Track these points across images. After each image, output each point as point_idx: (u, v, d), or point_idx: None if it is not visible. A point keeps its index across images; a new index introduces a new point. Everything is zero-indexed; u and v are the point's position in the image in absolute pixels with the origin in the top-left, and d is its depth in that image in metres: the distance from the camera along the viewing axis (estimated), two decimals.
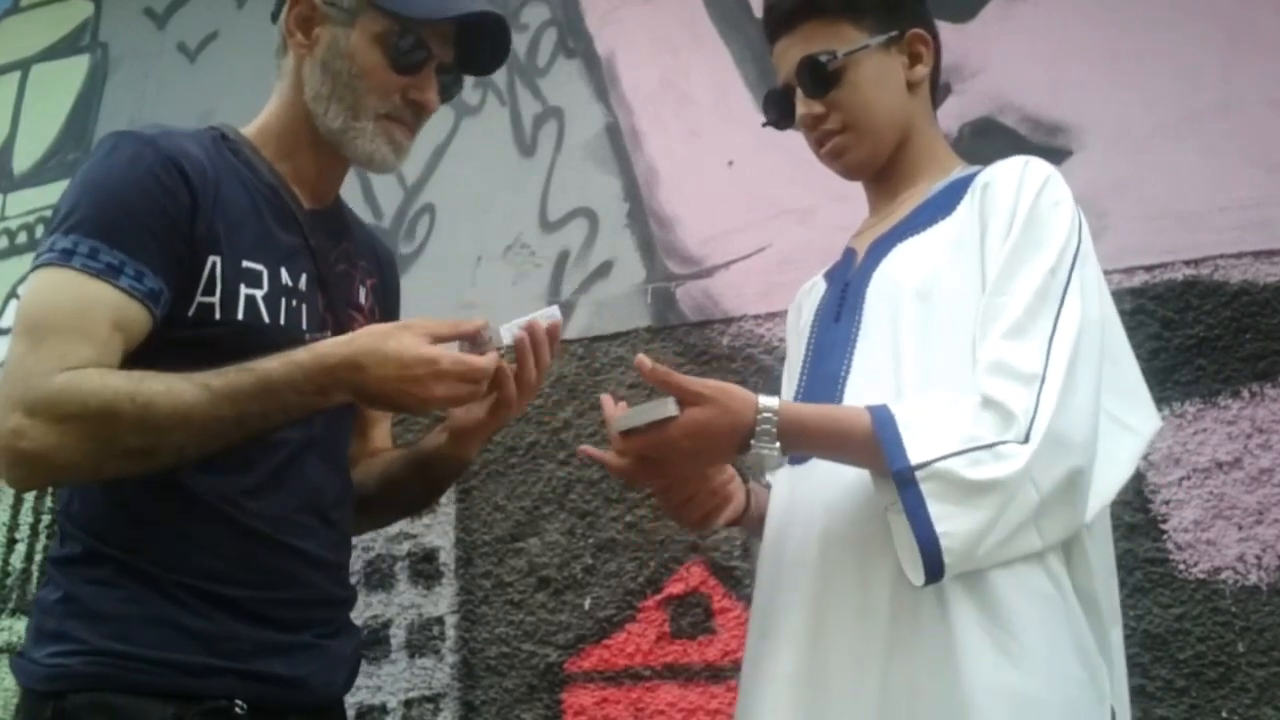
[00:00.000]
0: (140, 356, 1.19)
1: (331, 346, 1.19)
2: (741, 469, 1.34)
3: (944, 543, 1.03)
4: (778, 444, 1.10)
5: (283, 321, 1.29)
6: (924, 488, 1.04)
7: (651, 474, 1.19)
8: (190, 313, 1.23)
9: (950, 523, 1.03)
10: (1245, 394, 1.83)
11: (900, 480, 1.05)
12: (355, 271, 1.43)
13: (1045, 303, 1.12)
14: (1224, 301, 1.87)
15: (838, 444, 1.13)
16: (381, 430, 1.54)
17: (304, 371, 1.16)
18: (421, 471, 1.44)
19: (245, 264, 1.26)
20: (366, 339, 1.19)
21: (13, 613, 2.69)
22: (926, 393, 1.15)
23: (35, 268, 1.20)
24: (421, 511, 1.79)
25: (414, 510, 1.64)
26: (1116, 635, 1.17)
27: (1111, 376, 1.15)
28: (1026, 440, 1.06)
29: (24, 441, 1.11)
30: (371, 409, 1.23)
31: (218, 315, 1.24)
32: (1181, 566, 1.80)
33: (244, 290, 1.25)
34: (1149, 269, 1.91)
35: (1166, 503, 1.83)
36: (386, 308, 1.51)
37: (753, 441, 1.10)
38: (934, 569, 1.03)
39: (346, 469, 1.41)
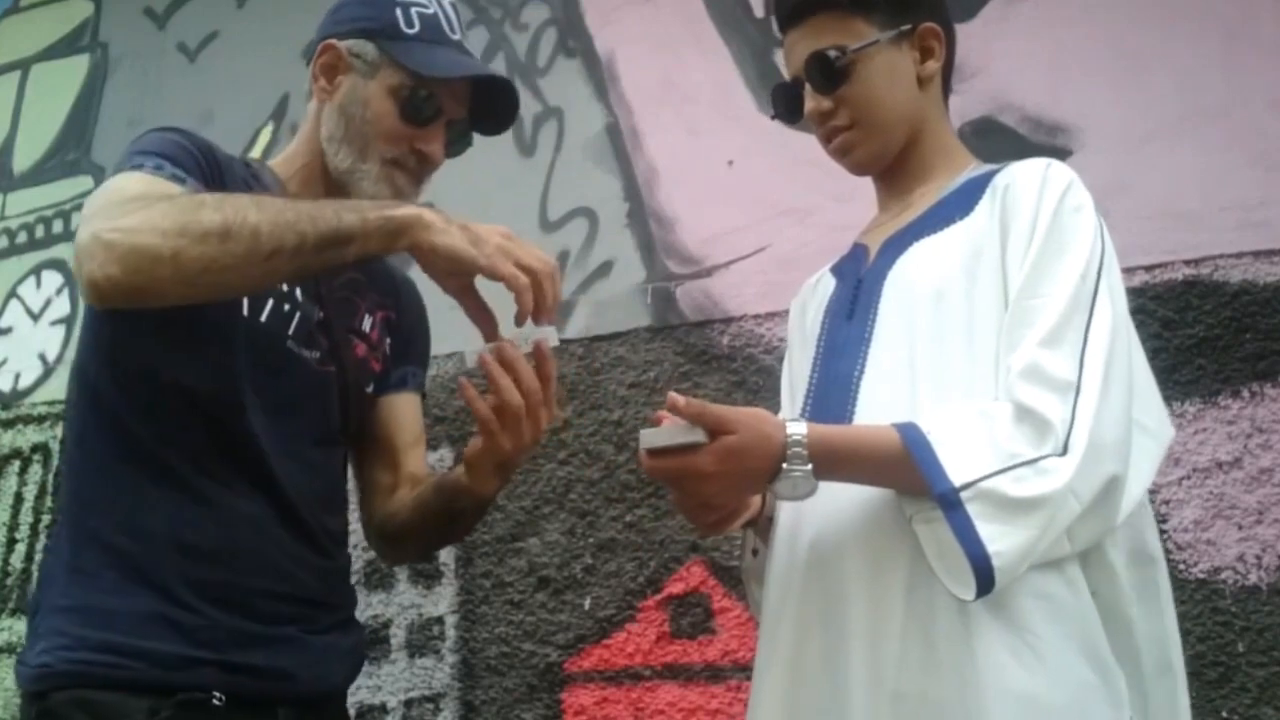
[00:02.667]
0: (118, 320, 1.24)
1: None
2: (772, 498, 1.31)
3: (996, 562, 1.03)
4: (810, 465, 1.08)
5: (264, 319, 1.30)
6: (971, 509, 1.04)
7: (682, 497, 1.18)
8: None
9: (1001, 542, 1.03)
10: (1245, 394, 1.83)
11: (945, 503, 1.04)
12: (361, 301, 1.45)
13: (1077, 309, 1.11)
14: (1224, 301, 1.87)
15: (869, 464, 1.12)
16: (415, 457, 1.51)
17: (375, 203, 1.21)
18: (448, 503, 1.39)
19: None
20: None
21: (13, 613, 2.69)
22: (946, 400, 1.15)
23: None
24: (455, 543, 1.72)
25: (448, 540, 1.60)
26: (1172, 654, 1.16)
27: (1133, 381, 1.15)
28: (1064, 452, 1.05)
29: (109, 232, 1.11)
30: (431, 261, 1.19)
31: None
32: (1181, 566, 1.80)
33: None
34: (1149, 269, 1.91)
35: (1166, 503, 1.83)
36: (406, 339, 1.52)
37: (784, 465, 1.08)
38: (986, 586, 1.04)
39: (333, 480, 1.41)
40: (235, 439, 1.27)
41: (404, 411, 1.51)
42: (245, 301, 1.28)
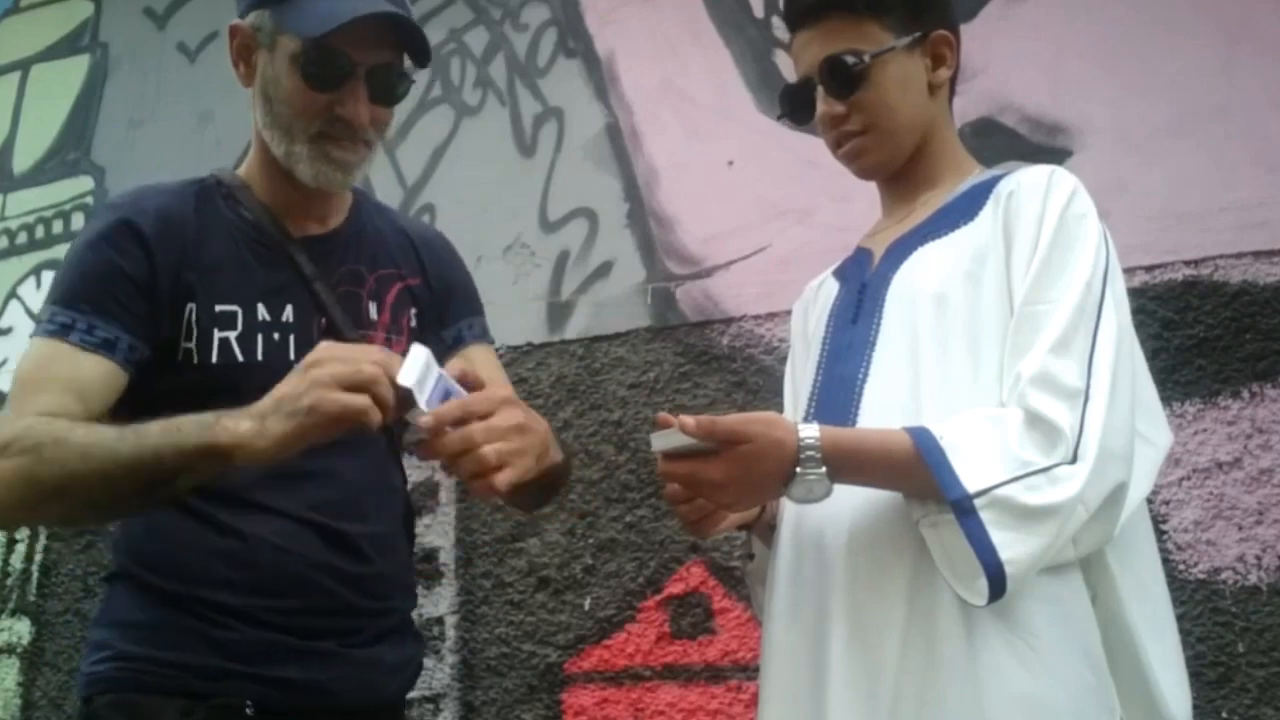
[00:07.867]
0: (135, 406, 1.21)
1: None
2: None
3: (1009, 570, 1.03)
4: (824, 468, 1.08)
5: (261, 357, 1.29)
6: (984, 516, 1.04)
7: (687, 497, 1.18)
8: (178, 359, 1.28)
9: (1014, 549, 1.03)
10: (1245, 394, 1.83)
11: (959, 509, 1.05)
12: (362, 289, 1.40)
13: (1084, 317, 1.11)
14: (1224, 301, 1.87)
15: (880, 467, 1.11)
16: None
17: (197, 427, 1.09)
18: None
19: (218, 308, 1.30)
20: None
21: (13, 613, 2.69)
22: (949, 403, 1.14)
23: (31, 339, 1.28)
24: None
25: (554, 495, 1.51)
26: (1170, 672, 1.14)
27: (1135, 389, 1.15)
28: (1074, 459, 1.05)
29: None
30: (278, 445, 1.08)
31: (195, 360, 1.28)
32: (1181, 566, 1.80)
33: (217, 334, 1.28)
34: (1149, 269, 1.92)
35: (1166, 503, 1.83)
36: (442, 299, 1.46)
37: (798, 470, 1.08)
38: (998, 592, 1.04)
39: (354, 485, 1.35)
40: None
41: (479, 367, 1.36)
42: (236, 347, 1.28)
